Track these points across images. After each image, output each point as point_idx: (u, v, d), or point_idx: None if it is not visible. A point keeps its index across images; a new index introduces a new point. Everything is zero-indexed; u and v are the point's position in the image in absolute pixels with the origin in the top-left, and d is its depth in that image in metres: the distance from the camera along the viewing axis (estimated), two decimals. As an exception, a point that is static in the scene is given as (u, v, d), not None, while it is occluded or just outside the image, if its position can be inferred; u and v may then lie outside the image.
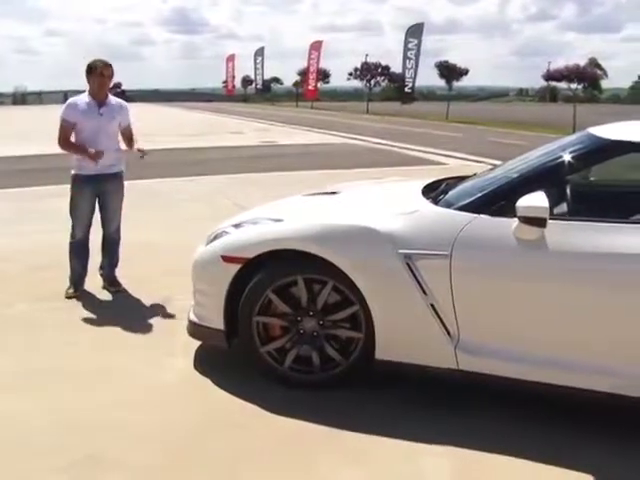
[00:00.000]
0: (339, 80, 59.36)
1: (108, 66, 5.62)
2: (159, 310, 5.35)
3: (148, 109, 38.25)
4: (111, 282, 5.87)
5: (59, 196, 5.74)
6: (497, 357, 3.57)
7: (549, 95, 71.53)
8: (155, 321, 5.13)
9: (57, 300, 5.52)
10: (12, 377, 4.19)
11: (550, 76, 31.84)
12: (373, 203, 4.36)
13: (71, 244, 5.74)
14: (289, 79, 66.10)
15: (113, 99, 5.77)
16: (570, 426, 3.59)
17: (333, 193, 4.81)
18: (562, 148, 3.93)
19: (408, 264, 3.62)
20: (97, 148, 5.49)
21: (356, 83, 52.62)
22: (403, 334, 3.73)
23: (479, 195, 3.77)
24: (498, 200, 3.63)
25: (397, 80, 46.51)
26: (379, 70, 48.76)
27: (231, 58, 69.45)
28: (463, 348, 3.62)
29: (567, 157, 3.75)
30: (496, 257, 3.54)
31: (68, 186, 5.68)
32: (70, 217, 5.70)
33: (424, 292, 3.61)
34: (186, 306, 4.57)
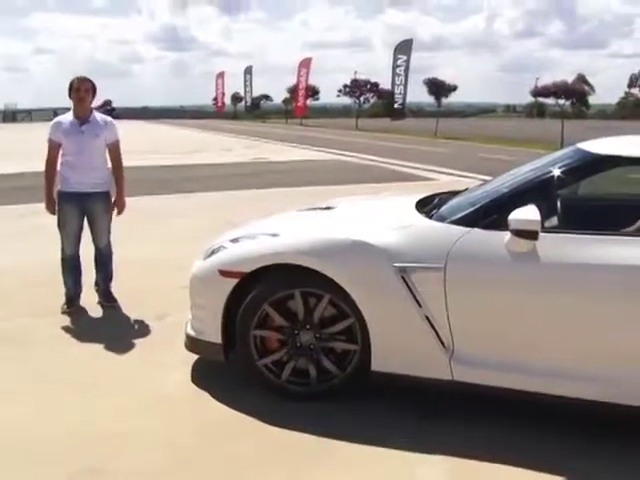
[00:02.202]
0: (328, 97, 59.76)
1: (84, 81, 5.55)
2: (155, 325, 5.39)
3: (138, 127, 38.29)
4: (106, 297, 5.88)
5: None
6: (491, 368, 3.64)
7: (537, 111, 72.00)
8: (151, 335, 5.18)
9: (54, 315, 5.55)
10: (12, 388, 4.23)
11: (538, 92, 32.15)
12: (368, 218, 4.42)
13: (62, 260, 5.76)
14: (279, 96, 66.46)
15: (98, 116, 5.69)
16: (564, 435, 3.65)
17: (328, 208, 4.87)
18: (552, 163, 4.01)
19: (403, 277, 3.68)
20: (81, 167, 5.52)
21: (345, 100, 52.99)
22: (398, 346, 3.80)
23: (472, 209, 3.85)
24: (490, 214, 3.71)
25: (386, 96, 46.80)
26: (368, 87, 49.08)
27: (221, 75, 69.67)
28: (458, 359, 3.69)
29: (557, 171, 3.84)
30: (489, 269, 3.62)
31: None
32: (59, 233, 5.71)
33: (419, 304, 3.68)
34: (182, 320, 4.62)
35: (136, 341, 5.04)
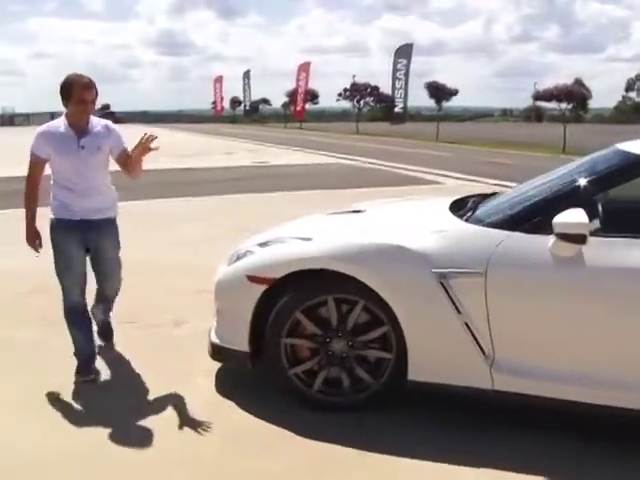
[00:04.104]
0: (327, 101, 59.80)
1: (90, 88, 4.20)
2: (174, 331, 5.23)
3: (139, 131, 38.16)
4: (103, 332, 4.89)
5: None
6: (533, 376, 3.51)
7: (535, 115, 72.19)
8: (171, 343, 5.00)
9: (61, 325, 5.24)
10: (27, 400, 4.08)
11: (539, 96, 32.11)
12: (402, 221, 4.29)
13: (66, 312, 4.44)
14: (277, 100, 66.46)
15: (97, 123, 4.35)
16: (611, 447, 3.52)
17: (357, 211, 4.74)
18: (593, 165, 3.90)
19: (442, 283, 3.55)
20: (79, 188, 4.27)
21: (344, 104, 52.98)
22: (437, 354, 3.66)
23: (512, 212, 3.73)
24: (533, 217, 3.59)
25: (385, 101, 46.76)
26: (368, 90, 49.04)
27: (219, 79, 69.68)
28: (499, 367, 3.55)
29: (600, 174, 3.74)
30: (532, 274, 3.49)
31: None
32: (57, 278, 4.39)
33: (458, 311, 3.54)
34: (200, 326, 4.48)
35: (155, 349, 4.87)
